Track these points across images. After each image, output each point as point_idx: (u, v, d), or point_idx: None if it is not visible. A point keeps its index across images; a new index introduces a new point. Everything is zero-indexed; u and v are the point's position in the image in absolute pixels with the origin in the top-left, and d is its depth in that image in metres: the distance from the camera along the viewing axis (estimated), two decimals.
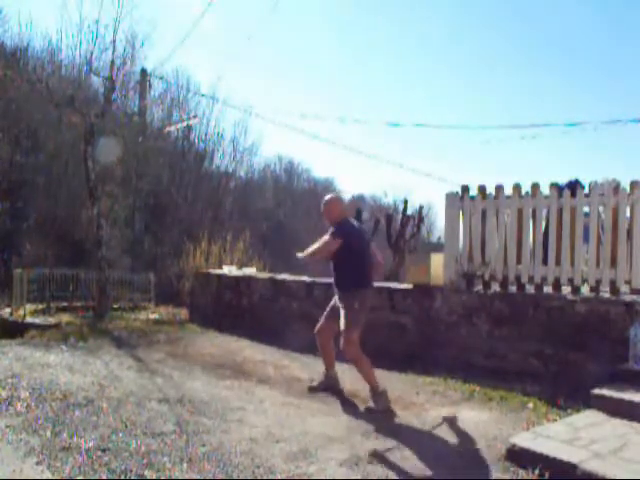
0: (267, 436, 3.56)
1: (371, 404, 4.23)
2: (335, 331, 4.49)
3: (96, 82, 16.11)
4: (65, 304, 11.13)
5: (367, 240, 4.69)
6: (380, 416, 4.04)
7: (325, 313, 4.64)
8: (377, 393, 4.21)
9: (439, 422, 3.95)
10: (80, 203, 15.27)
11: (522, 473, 3.10)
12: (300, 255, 4.56)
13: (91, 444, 3.30)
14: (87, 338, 6.81)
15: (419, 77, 54.51)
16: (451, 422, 3.95)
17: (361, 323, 4.28)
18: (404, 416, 4.08)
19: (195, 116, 21.16)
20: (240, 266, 9.78)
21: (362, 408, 4.24)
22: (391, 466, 3.17)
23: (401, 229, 13.87)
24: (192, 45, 54.23)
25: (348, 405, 4.35)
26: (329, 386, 4.67)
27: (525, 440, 3.34)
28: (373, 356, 4.29)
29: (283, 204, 30.42)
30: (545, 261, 5.29)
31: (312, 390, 4.68)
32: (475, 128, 57.01)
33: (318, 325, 4.65)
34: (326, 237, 4.38)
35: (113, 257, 13.67)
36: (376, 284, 4.89)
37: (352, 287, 4.32)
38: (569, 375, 4.59)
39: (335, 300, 4.54)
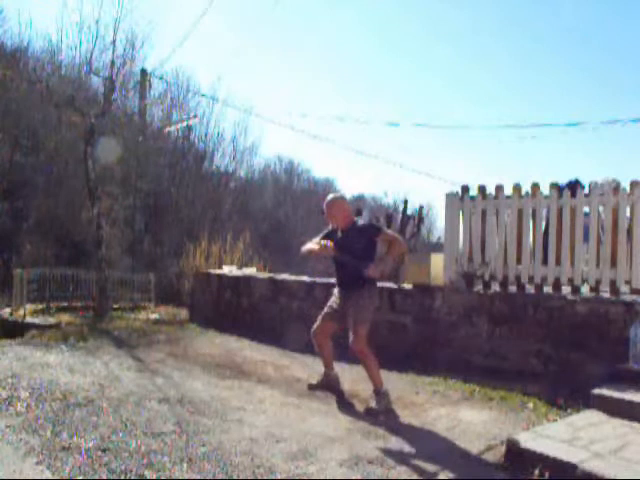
0: (267, 436, 3.56)
1: (372, 404, 4.20)
2: (332, 331, 4.50)
3: (96, 82, 16.09)
4: (65, 304, 11.14)
5: None
6: (381, 416, 4.04)
7: (323, 313, 4.58)
8: (380, 393, 4.20)
9: (439, 422, 3.96)
10: (80, 203, 15.26)
11: (522, 473, 3.10)
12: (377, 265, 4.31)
13: (91, 444, 3.30)
14: (87, 338, 6.80)
15: (419, 77, 54.52)
16: (451, 422, 3.95)
17: (370, 320, 4.30)
18: (404, 416, 4.08)
19: (195, 116, 21.11)
20: (240, 266, 9.80)
21: (362, 408, 4.23)
22: (391, 466, 3.17)
23: (401, 229, 13.84)
24: (192, 45, 54.25)
25: (348, 405, 4.35)
26: (329, 385, 4.65)
27: (525, 440, 3.34)
28: (373, 355, 4.29)
29: (283, 204, 30.38)
30: (545, 261, 5.29)
31: (311, 388, 4.67)
32: (475, 128, 56.99)
33: (315, 325, 4.58)
34: (386, 232, 4.45)
35: (113, 257, 13.68)
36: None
37: (372, 285, 4.34)
38: (569, 375, 4.59)
39: (335, 300, 4.52)
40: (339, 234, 4.43)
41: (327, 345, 4.59)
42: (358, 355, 4.26)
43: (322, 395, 4.57)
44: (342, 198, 4.62)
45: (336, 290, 4.58)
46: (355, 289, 4.33)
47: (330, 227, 4.56)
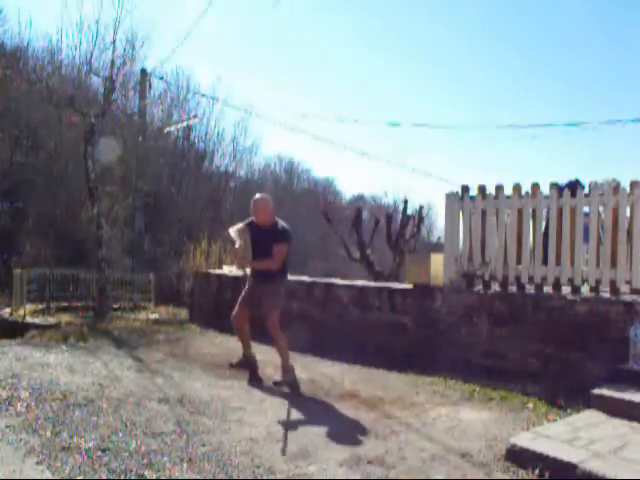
0: (267, 436, 3.56)
1: (278, 378, 4.83)
2: (249, 315, 4.95)
3: (96, 82, 16.07)
4: (65, 304, 11.13)
5: None
6: (285, 388, 4.60)
7: (240, 300, 4.98)
8: (286, 369, 4.77)
9: (439, 422, 3.95)
10: (80, 203, 15.27)
11: (522, 473, 3.10)
12: (252, 265, 4.90)
13: (91, 444, 3.30)
14: (87, 338, 6.80)
15: (420, 77, 54.54)
16: (451, 422, 3.95)
17: (281, 306, 4.91)
18: (404, 416, 4.08)
19: (195, 116, 21.15)
20: None
21: (362, 409, 4.23)
22: (391, 466, 3.17)
23: (401, 229, 13.86)
24: (192, 45, 54.23)
25: (348, 406, 4.34)
26: (248, 364, 5.03)
27: (525, 440, 3.34)
28: (373, 355, 4.30)
29: (283, 204, 30.38)
30: (545, 261, 5.28)
31: (232, 367, 5.10)
32: (475, 128, 56.91)
33: (234, 311, 4.96)
34: (281, 245, 4.77)
35: (113, 257, 13.66)
36: (376, 284, 4.91)
37: (282, 277, 4.94)
38: (569, 375, 4.59)
39: (250, 288, 4.95)
40: (258, 229, 4.84)
41: (246, 328, 5.01)
42: (272, 336, 4.79)
43: (322, 396, 4.57)
44: (265, 199, 4.98)
45: (250, 279, 5.03)
46: (272, 280, 4.85)
47: (253, 219, 4.92)
